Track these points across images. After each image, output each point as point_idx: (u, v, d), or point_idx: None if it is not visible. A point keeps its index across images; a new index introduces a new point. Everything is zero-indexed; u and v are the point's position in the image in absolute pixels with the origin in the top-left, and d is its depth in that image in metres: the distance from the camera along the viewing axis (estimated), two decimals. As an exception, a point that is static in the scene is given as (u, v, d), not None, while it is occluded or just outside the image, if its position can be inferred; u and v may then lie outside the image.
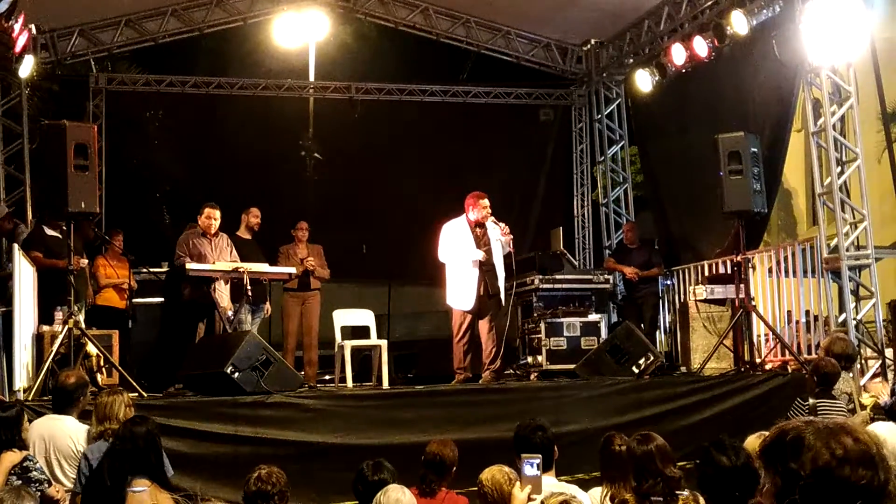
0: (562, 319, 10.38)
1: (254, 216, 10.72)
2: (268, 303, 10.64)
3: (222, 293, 9.50)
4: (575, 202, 15.37)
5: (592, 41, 14.38)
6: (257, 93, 14.49)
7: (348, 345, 9.98)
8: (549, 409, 8.11)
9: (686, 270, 12.51)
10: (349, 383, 9.72)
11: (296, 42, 15.09)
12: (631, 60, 13.80)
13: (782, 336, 10.41)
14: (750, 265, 10.40)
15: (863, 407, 7.79)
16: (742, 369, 9.70)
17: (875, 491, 1.75)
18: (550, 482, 5.05)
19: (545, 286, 10.94)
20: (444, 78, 15.37)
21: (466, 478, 5.58)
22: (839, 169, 10.03)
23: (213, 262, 9.35)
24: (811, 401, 7.00)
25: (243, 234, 10.60)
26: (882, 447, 1.82)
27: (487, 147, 14.97)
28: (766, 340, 10.77)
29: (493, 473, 4.69)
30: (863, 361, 9.73)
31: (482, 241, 9.60)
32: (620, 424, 7.41)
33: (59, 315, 8.64)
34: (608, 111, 14.95)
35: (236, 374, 7.80)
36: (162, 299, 11.17)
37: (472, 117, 15.11)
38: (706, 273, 11.79)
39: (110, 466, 5.16)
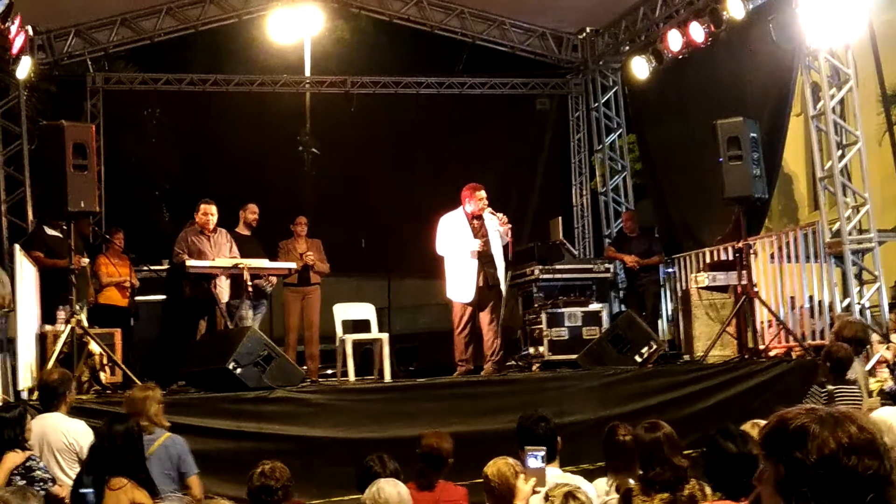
0: (563, 309, 10.35)
1: (251, 212, 10.71)
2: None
3: (222, 289, 9.51)
4: (573, 191, 15.35)
5: (588, 29, 14.34)
6: (253, 89, 14.47)
7: (349, 339, 9.98)
8: (551, 400, 8.10)
9: (687, 258, 12.48)
10: (351, 377, 9.72)
11: (291, 37, 15.08)
12: (627, 48, 13.76)
13: (786, 322, 10.39)
14: (751, 251, 10.37)
15: (870, 394, 7.78)
16: (746, 356, 9.68)
17: (882, 480, 1.74)
18: (555, 473, 5.04)
19: (545, 276, 10.90)
20: (439, 70, 15.33)
21: (469, 470, 5.57)
22: (840, 152, 10.01)
23: (213, 259, 9.35)
24: (829, 387, 6.94)
25: (242, 230, 10.59)
26: (884, 435, 1.81)
27: (485, 138, 14.96)
28: (770, 327, 10.75)
29: (499, 466, 4.67)
30: (868, 346, 9.70)
31: (480, 233, 9.59)
32: (624, 414, 7.39)
33: (61, 314, 8.65)
34: (605, 99, 14.91)
35: (238, 370, 7.81)
36: (163, 297, 11.17)
37: (469, 109, 15.08)
38: (707, 260, 11.77)
39: (89, 464, 5.20)
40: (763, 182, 9.82)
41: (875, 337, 9.70)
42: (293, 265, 10.11)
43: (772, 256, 11.07)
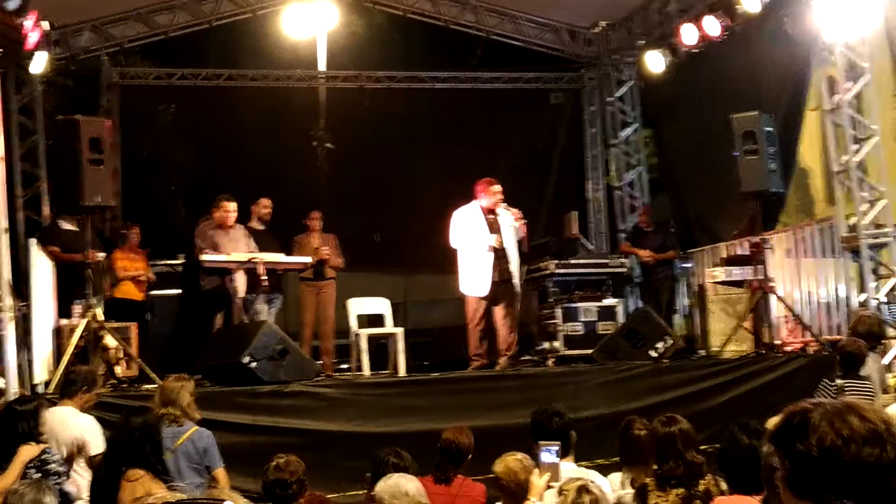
0: (578, 304, 10.34)
1: (263, 207, 10.71)
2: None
3: (238, 283, 9.53)
4: (588, 186, 15.29)
5: (602, 23, 14.26)
6: (268, 84, 14.50)
7: (364, 333, 9.98)
8: (566, 395, 8.10)
9: (703, 253, 12.45)
10: (366, 371, 9.72)
11: (305, 32, 15.08)
12: (642, 42, 13.69)
13: (802, 317, 10.34)
14: (767, 246, 10.33)
15: (886, 390, 7.74)
16: (762, 351, 9.64)
17: (884, 468, 1.74)
18: (569, 468, 5.05)
19: (560, 271, 10.88)
20: (453, 65, 15.31)
21: (484, 465, 5.56)
22: (856, 146, 9.95)
23: (229, 254, 9.37)
24: (839, 381, 6.93)
25: (255, 225, 10.59)
26: (892, 426, 1.80)
27: (499, 133, 14.92)
28: (786, 322, 10.71)
29: (507, 462, 4.66)
30: (884, 341, 9.64)
31: (494, 227, 9.58)
32: (639, 409, 7.38)
33: (77, 308, 8.70)
34: (620, 93, 14.86)
35: (253, 364, 7.83)
36: (179, 291, 11.20)
37: (483, 103, 15.06)
38: (723, 255, 11.71)
39: (106, 457, 5.23)
40: (779, 176, 9.78)
41: (892, 332, 9.65)
42: (308, 260, 10.13)
43: (788, 251, 11.03)
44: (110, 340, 8.39)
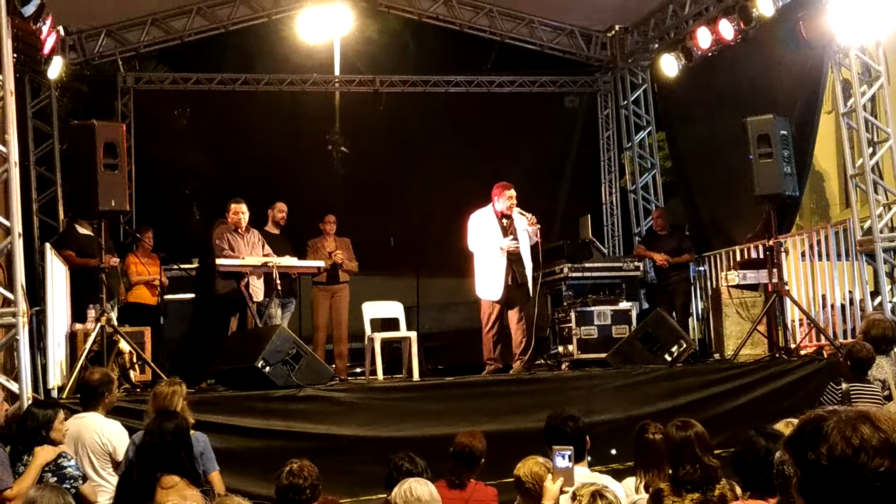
0: (592, 308, 10.32)
1: (279, 211, 10.76)
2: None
3: (256, 288, 9.55)
4: (603, 189, 15.29)
5: (617, 27, 14.26)
6: (283, 88, 14.52)
7: (378, 337, 9.99)
8: (580, 399, 8.08)
9: (717, 256, 12.40)
10: (379, 376, 9.73)
11: (320, 37, 15.09)
12: (656, 45, 13.69)
13: (817, 321, 10.30)
14: (782, 249, 10.29)
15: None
16: (777, 355, 9.61)
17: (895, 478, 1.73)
18: (583, 473, 5.03)
19: (574, 274, 10.87)
20: (468, 69, 15.31)
21: (498, 469, 5.58)
22: (871, 150, 9.90)
23: (244, 258, 9.39)
24: (844, 385, 6.90)
25: (271, 229, 10.64)
26: None
27: (513, 136, 14.91)
28: (801, 325, 10.66)
29: (531, 466, 4.65)
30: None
31: (509, 231, 9.58)
32: (653, 413, 7.36)
33: (91, 313, 8.72)
34: (634, 97, 14.85)
35: (267, 369, 7.84)
36: (193, 295, 11.22)
37: (498, 107, 15.05)
38: (738, 258, 11.68)
39: (139, 462, 5.17)
40: (794, 180, 9.75)
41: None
42: (322, 264, 10.14)
43: (803, 254, 10.98)
44: (124, 345, 8.41)
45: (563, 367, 10.19)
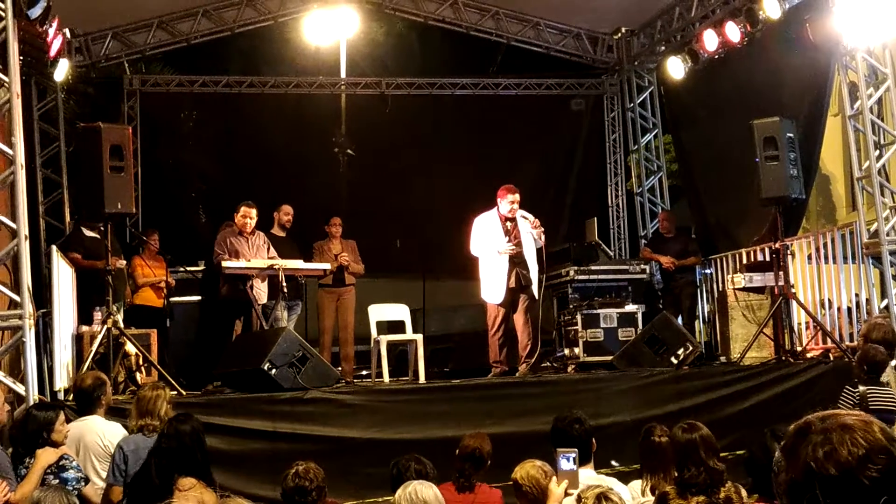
0: (598, 311, 10.31)
1: (285, 213, 10.76)
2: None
3: (260, 291, 9.55)
4: (609, 192, 15.27)
5: (623, 29, 14.26)
6: (289, 90, 14.51)
7: (384, 340, 9.98)
8: (586, 402, 8.07)
9: (724, 259, 12.39)
10: (386, 378, 9.72)
11: (326, 39, 15.11)
12: (662, 48, 13.68)
13: (823, 323, 10.28)
14: (789, 252, 10.28)
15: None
16: (783, 358, 9.59)
17: (891, 482, 1.73)
18: (589, 475, 5.02)
19: (580, 277, 10.86)
20: (474, 71, 15.32)
21: (503, 472, 5.54)
22: (877, 152, 9.89)
23: (249, 260, 9.39)
24: (861, 388, 6.86)
25: (277, 231, 10.64)
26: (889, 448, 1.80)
27: (520, 139, 14.91)
28: (807, 328, 10.64)
29: (528, 470, 4.65)
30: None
31: (512, 234, 9.57)
32: (659, 416, 7.35)
33: (97, 315, 8.73)
34: (641, 99, 14.84)
35: (273, 371, 7.84)
36: (199, 297, 11.23)
37: (504, 109, 15.03)
38: (744, 261, 11.66)
39: (157, 465, 5.13)
40: (800, 182, 9.73)
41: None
42: (328, 266, 10.14)
43: (809, 257, 10.97)
44: (130, 347, 8.42)
45: (569, 369, 10.18)
